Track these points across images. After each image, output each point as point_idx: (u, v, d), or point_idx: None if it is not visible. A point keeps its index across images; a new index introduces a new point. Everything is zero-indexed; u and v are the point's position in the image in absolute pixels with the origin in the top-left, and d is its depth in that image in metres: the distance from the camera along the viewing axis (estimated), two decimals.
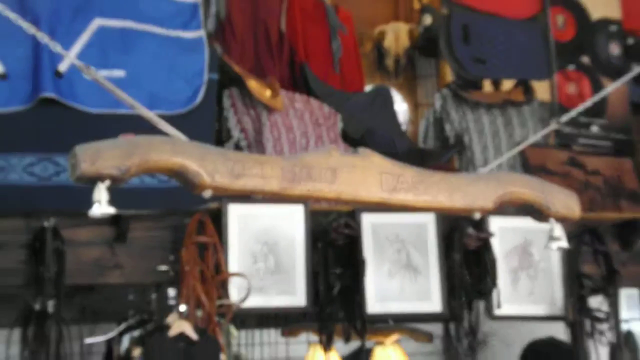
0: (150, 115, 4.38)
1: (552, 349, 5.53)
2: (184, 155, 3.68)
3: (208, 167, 3.65)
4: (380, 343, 7.24)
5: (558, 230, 4.41)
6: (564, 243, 4.45)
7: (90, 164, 3.44)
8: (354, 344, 7.16)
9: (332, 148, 4.05)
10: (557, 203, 4.37)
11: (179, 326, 5.43)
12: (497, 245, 6.12)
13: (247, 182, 3.73)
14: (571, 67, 7.33)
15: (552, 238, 4.45)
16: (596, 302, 6.32)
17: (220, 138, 6.40)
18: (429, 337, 7.86)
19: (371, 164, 4.06)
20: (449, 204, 4.10)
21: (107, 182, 3.52)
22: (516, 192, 4.29)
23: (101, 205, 3.61)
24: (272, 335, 7.51)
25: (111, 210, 3.65)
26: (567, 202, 4.44)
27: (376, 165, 4.06)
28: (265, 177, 3.77)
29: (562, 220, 4.38)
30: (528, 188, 4.41)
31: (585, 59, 7.38)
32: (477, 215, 4.37)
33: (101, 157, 3.54)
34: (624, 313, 6.42)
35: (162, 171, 3.62)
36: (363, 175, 3.93)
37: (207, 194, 3.74)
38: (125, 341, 5.89)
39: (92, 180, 3.59)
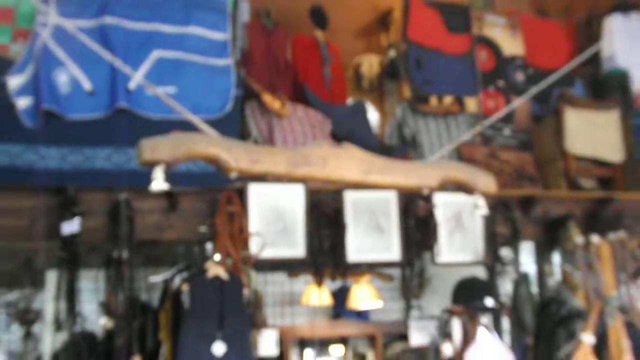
0: (194, 118, 4.36)
1: (474, 284, 5.48)
2: (216, 147, 3.71)
3: (234, 155, 3.67)
4: (356, 282, 7.20)
5: (481, 201, 4.43)
6: (485, 210, 4.47)
7: (150, 153, 3.50)
8: (338, 283, 7.13)
9: (323, 143, 4.06)
10: (480, 183, 4.43)
11: (214, 270, 5.44)
12: (439, 213, 6.13)
13: (261, 167, 3.77)
14: (491, 88, 7.32)
15: (477, 207, 4.46)
16: (505, 251, 6.32)
17: (243, 136, 6.35)
18: (390, 278, 7.83)
19: (351, 154, 4.10)
20: (405, 183, 4.16)
21: (162, 166, 3.53)
22: (453, 175, 4.36)
23: (158, 183, 3.61)
24: (280, 276, 7.47)
25: (165, 186, 3.64)
26: (487, 182, 4.50)
27: (355, 155, 4.11)
28: (275, 163, 3.81)
29: (483, 194, 4.43)
30: (461, 172, 4.48)
31: (501, 83, 7.38)
32: (426, 191, 4.39)
33: (158, 148, 3.56)
34: (523, 259, 6.41)
35: (201, 158, 3.64)
36: (345, 163, 3.97)
37: (233, 175, 3.79)
38: (177, 280, 5.82)
39: (152, 165, 3.60)
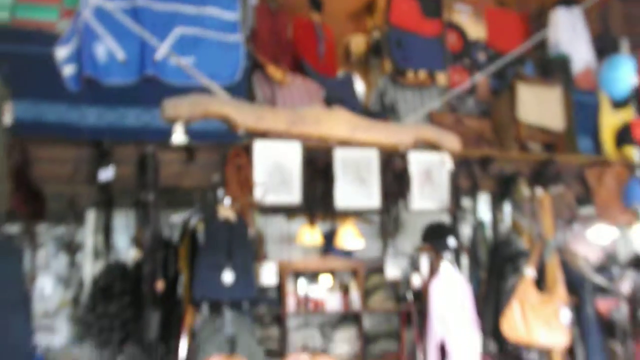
0: (210, 83, 4.26)
1: (440, 226, 5.45)
2: (228, 108, 3.63)
3: (241, 114, 3.60)
4: (343, 224, 7.17)
5: (447, 158, 4.37)
6: (450, 166, 4.42)
7: (172, 111, 3.42)
8: (328, 225, 7.12)
9: (317, 105, 3.99)
10: (447, 142, 4.36)
11: (224, 212, 5.40)
12: (412, 169, 6.04)
13: (264, 124, 3.71)
14: (458, 66, 7.25)
15: (444, 163, 4.40)
16: (465, 201, 6.29)
17: (249, 101, 6.27)
18: (371, 221, 7.80)
19: (341, 116, 4.04)
20: (386, 141, 4.09)
21: (181, 122, 3.45)
22: (425, 135, 4.30)
23: (178, 136, 3.53)
24: (279, 219, 7.42)
25: (184, 139, 3.57)
26: (452, 142, 4.43)
27: (344, 116, 4.04)
28: (276, 122, 3.75)
29: (449, 152, 4.37)
30: (431, 133, 4.41)
31: (466, 61, 7.31)
32: (402, 148, 4.32)
33: (179, 107, 3.48)
34: (480, 208, 6.42)
35: (214, 117, 3.56)
36: (336, 122, 3.91)
37: (241, 131, 3.69)
38: (194, 220, 5.78)
39: (173, 121, 3.52)
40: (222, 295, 5.33)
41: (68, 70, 5.69)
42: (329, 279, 8.63)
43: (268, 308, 7.96)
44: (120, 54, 5.74)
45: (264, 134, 6.03)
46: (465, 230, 6.22)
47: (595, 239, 6.61)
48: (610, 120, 7.03)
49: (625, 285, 4.69)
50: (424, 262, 4.97)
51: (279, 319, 8.11)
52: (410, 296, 4.97)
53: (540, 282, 4.87)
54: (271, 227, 7.10)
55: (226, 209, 5.45)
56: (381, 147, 5.48)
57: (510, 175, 6.44)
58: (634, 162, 5.52)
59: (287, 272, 8.14)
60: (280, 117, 3.73)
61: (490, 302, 5.77)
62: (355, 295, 8.43)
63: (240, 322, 5.42)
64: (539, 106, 6.98)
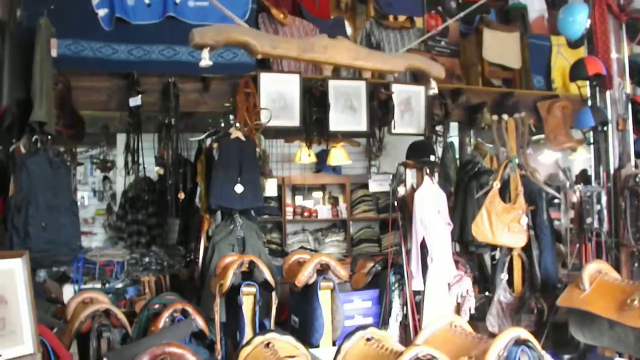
0: (232, 15, 4.10)
1: (423, 144, 5.36)
2: (248, 36, 3.46)
3: (260, 42, 3.43)
4: (334, 146, 7.07)
5: (433, 83, 4.23)
6: (435, 90, 4.27)
7: (200, 38, 3.25)
8: (321, 147, 7.03)
9: (324, 36, 3.84)
10: (434, 70, 4.20)
11: (235, 133, 5.29)
12: (395, 98, 5.93)
13: (279, 51, 3.53)
14: (433, 12, 7.05)
15: (431, 88, 4.26)
16: (439, 127, 6.17)
17: None
18: (358, 144, 7.72)
19: (344, 45, 3.90)
20: (381, 67, 3.94)
21: (208, 48, 3.30)
22: (414, 63, 4.12)
23: (205, 61, 3.39)
24: (280, 142, 7.30)
25: (210, 63, 3.43)
26: (439, 70, 4.28)
27: (347, 46, 3.90)
28: (289, 49, 3.59)
29: (435, 78, 4.22)
30: (420, 61, 4.26)
31: (440, 8, 7.07)
32: (394, 75, 4.19)
33: (205, 35, 3.32)
34: (450, 132, 6.32)
35: (235, 44, 3.42)
36: (340, 51, 3.76)
37: (259, 56, 3.55)
38: (209, 140, 5.69)
39: (200, 47, 3.37)
40: (234, 204, 5.27)
41: (102, 13, 5.59)
42: (320, 193, 8.60)
43: (270, 216, 7.94)
44: None
45: (270, 68, 6.00)
46: (439, 149, 6.16)
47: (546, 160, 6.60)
48: (559, 62, 6.96)
49: (574, 197, 4.66)
50: (409, 175, 4.88)
51: (279, 226, 8.10)
52: (395, 204, 4.88)
53: (504, 194, 4.82)
54: (273, 149, 6.98)
55: (237, 131, 5.34)
56: (378, 72, 5.33)
57: (476, 105, 6.34)
58: (581, 97, 5.42)
59: (286, 186, 8.11)
60: (292, 45, 3.60)
61: (457, 212, 5.75)
62: (343, 206, 8.43)
63: (248, 226, 5.38)
64: (501, 48, 6.88)
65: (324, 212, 8.34)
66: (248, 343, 3.30)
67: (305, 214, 8.19)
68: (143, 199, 7.23)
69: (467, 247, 5.80)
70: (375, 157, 6.59)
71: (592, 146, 4.91)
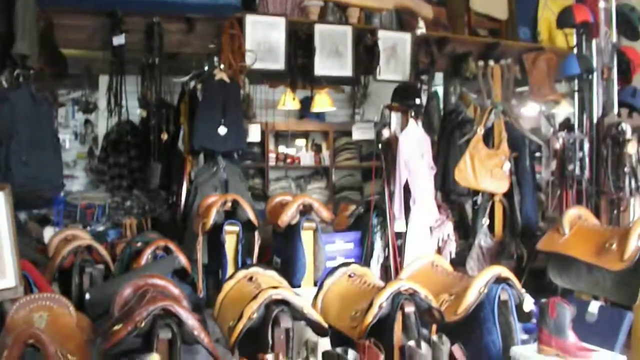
0: None
1: (408, 88, 5.34)
2: None
3: None
4: (318, 92, 6.99)
5: (421, 23, 4.16)
6: (424, 30, 4.21)
7: None
8: (304, 94, 6.97)
9: None
10: (423, 9, 4.16)
11: (220, 75, 5.28)
12: (380, 44, 5.86)
13: None
14: None
15: (419, 27, 4.19)
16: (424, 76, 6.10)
17: None
18: (342, 90, 7.66)
19: None
20: (372, 4, 3.83)
21: None
22: (403, 1, 4.06)
23: None
24: (264, 87, 7.19)
25: None
26: (427, 9, 4.25)
27: None
28: None
29: (423, 18, 4.14)
30: (410, 1, 4.17)
31: None
32: (380, 20, 4.11)
33: None
34: (435, 82, 6.34)
35: None
36: None
37: None
38: (192, 83, 5.58)
39: None
40: (217, 146, 5.27)
41: None
42: (303, 141, 8.57)
43: (253, 163, 7.89)
44: None
45: (256, 11, 5.88)
46: (424, 98, 6.12)
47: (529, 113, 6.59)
48: (546, 14, 6.89)
49: (557, 144, 4.68)
50: (394, 118, 4.86)
51: (262, 172, 8.07)
52: (379, 147, 4.86)
53: (488, 138, 4.82)
54: (257, 95, 6.90)
55: (221, 72, 5.28)
56: (367, 9, 5.18)
57: (462, 54, 6.28)
58: (567, 44, 5.39)
59: (269, 133, 8.05)
60: None
61: (440, 160, 5.74)
62: (326, 153, 8.41)
63: (231, 169, 5.38)
64: None
65: (307, 159, 8.30)
66: (231, 277, 3.31)
67: (288, 160, 8.15)
68: (125, 141, 7.14)
69: (448, 196, 5.81)
70: (360, 103, 6.57)
71: (576, 95, 4.90)
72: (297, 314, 2.79)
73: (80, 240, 4.06)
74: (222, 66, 5.35)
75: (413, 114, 4.84)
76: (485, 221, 4.72)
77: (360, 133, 7.19)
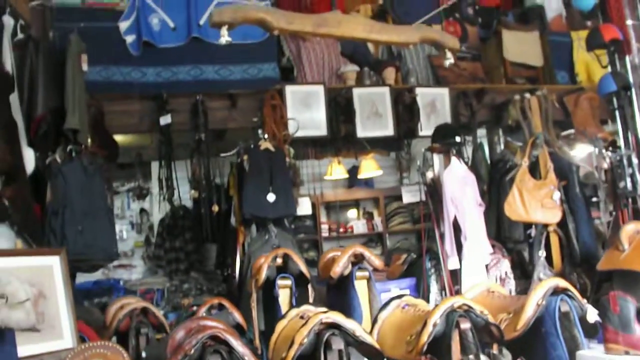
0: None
1: (447, 127, 5.43)
2: (263, 13, 3.52)
3: (275, 19, 3.47)
4: (364, 158, 7.05)
5: (449, 54, 4.19)
6: (452, 60, 4.22)
7: (218, 16, 3.32)
8: (351, 163, 7.02)
9: (337, 12, 3.89)
10: (449, 41, 4.18)
11: (265, 145, 5.35)
12: (419, 100, 5.95)
13: (295, 27, 3.57)
14: (451, 19, 7.04)
15: (447, 58, 4.22)
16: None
17: (278, 55, 6.27)
18: (387, 154, 7.70)
19: (358, 19, 3.95)
20: (397, 39, 3.92)
21: (226, 26, 3.36)
22: (429, 35, 4.12)
23: (224, 38, 3.45)
24: (311, 161, 7.26)
25: (229, 39, 3.49)
26: (453, 41, 4.25)
27: (361, 20, 3.92)
28: (304, 25, 3.60)
29: (450, 49, 4.18)
30: (434, 33, 4.27)
31: (457, 15, 7.08)
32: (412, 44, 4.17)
33: (223, 13, 3.39)
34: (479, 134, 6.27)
35: (252, 22, 3.43)
36: (354, 25, 3.77)
37: (275, 32, 3.58)
38: (240, 152, 5.68)
39: (219, 25, 3.43)
40: (267, 213, 5.27)
41: (130, 39, 5.79)
42: (354, 211, 8.57)
43: (306, 235, 7.89)
44: (170, 23, 5.84)
45: (294, 81, 6.06)
46: (468, 152, 6.10)
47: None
48: (581, 56, 6.89)
49: (604, 163, 4.57)
50: (436, 159, 4.83)
51: (316, 244, 8.06)
52: (425, 189, 4.82)
53: (534, 170, 4.74)
54: (304, 169, 6.98)
55: (266, 142, 5.38)
56: (393, 44, 5.23)
57: (502, 103, 6.28)
58: (600, 64, 5.36)
59: (320, 205, 8.09)
60: (307, 21, 3.62)
61: (493, 209, 5.63)
62: (377, 220, 8.36)
63: (283, 235, 5.36)
64: (521, 47, 6.86)
65: (359, 226, 8.27)
66: (283, 316, 3.27)
67: (341, 230, 8.14)
68: (180, 225, 7.29)
69: (505, 245, 5.67)
70: (407, 167, 6.58)
71: (617, 113, 4.80)
72: (348, 338, 2.72)
73: (136, 303, 4.09)
74: (266, 136, 5.46)
75: (454, 151, 4.80)
76: (542, 253, 4.58)
77: (411, 196, 7.16)
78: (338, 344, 2.63)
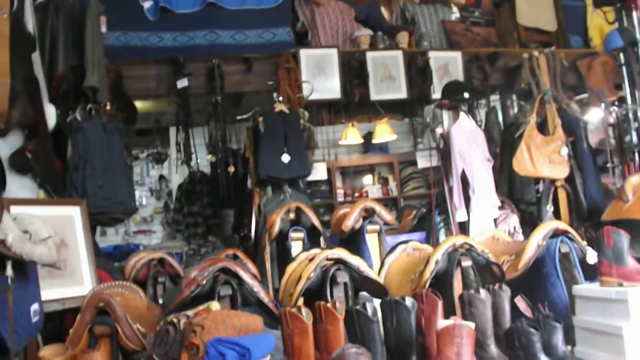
0: None
1: (456, 83, 5.44)
2: None
3: None
4: (379, 123, 7.11)
5: (455, 8, 4.23)
6: (457, 15, 4.26)
7: None
8: (366, 128, 7.06)
9: None
10: None
11: (279, 107, 5.41)
12: (432, 63, 5.99)
13: None
14: None
15: (452, 12, 4.26)
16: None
17: (293, 20, 6.32)
18: (402, 118, 7.76)
19: None
20: None
21: None
22: None
23: None
24: (325, 127, 7.29)
25: None
26: None
27: None
28: None
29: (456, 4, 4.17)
30: None
31: None
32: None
33: None
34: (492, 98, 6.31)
35: None
36: None
37: None
38: (255, 115, 5.78)
39: None
40: (282, 173, 5.37)
41: (147, 5, 5.86)
42: (369, 177, 8.69)
43: (322, 200, 8.00)
44: None
45: (308, 44, 6.14)
46: (480, 115, 6.14)
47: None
48: (595, 20, 6.86)
49: (610, 118, 4.61)
50: (445, 116, 4.89)
51: (332, 209, 8.15)
52: (435, 143, 4.90)
53: (543, 128, 4.79)
54: (320, 136, 7.04)
55: (281, 105, 5.47)
56: None
57: (515, 66, 6.29)
58: (607, 20, 5.35)
59: (336, 170, 8.18)
60: None
61: (505, 171, 5.69)
62: (392, 185, 8.43)
63: (298, 196, 5.44)
64: (535, 11, 6.87)
65: (375, 191, 8.34)
66: (294, 259, 3.39)
67: (356, 194, 8.22)
68: (198, 191, 7.44)
69: (517, 206, 5.74)
70: (421, 132, 6.64)
71: (624, 68, 4.80)
72: (354, 273, 2.83)
73: (154, 254, 4.23)
74: (280, 99, 5.54)
75: (463, 107, 4.86)
76: (550, 208, 4.64)
77: (425, 161, 7.22)
78: (343, 277, 2.74)
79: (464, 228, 4.60)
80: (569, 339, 2.76)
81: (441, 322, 2.32)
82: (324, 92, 5.89)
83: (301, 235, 4.35)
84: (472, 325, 2.31)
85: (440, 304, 2.57)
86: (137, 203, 6.07)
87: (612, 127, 4.67)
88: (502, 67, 6.43)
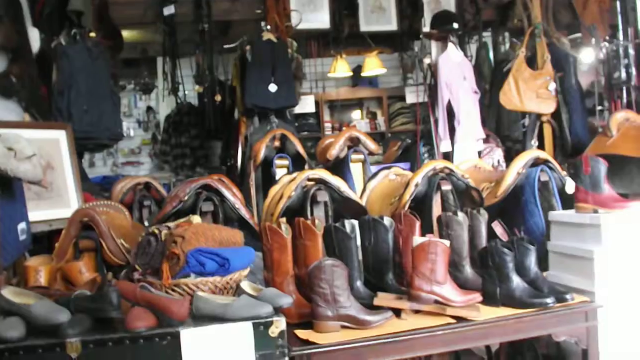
0: None
1: (446, 14, 5.42)
2: None
3: None
4: (368, 56, 7.11)
5: None
6: None
7: None
8: (355, 62, 7.05)
9: None
10: None
11: (267, 35, 5.39)
12: None
13: None
14: None
15: None
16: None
17: None
18: (392, 51, 7.74)
19: None
20: None
21: None
22: None
23: None
24: (314, 60, 7.28)
25: None
26: None
27: None
28: None
29: None
30: None
31: None
32: None
33: None
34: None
35: None
36: None
37: None
38: (243, 44, 5.75)
39: None
40: (269, 103, 5.38)
41: None
42: (357, 112, 8.72)
43: (309, 133, 8.03)
44: None
45: None
46: (471, 50, 6.14)
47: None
48: None
49: (600, 54, 4.64)
50: (433, 47, 4.91)
51: (319, 141, 8.20)
52: (423, 73, 4.92)
53: (532, 62, 4.82)
54: (308, 68, 7.04)
55: (268, 33, 5.44)
56: None
57: (508, 2, 6.24)
58: None
59: (324, 103, 8.20)
60: None
61: (494, 108, 5.75)
62: (381, 119, 8.48)
63: (284, 127, 5.46)
64: None
65: (362, 126, 8.38)
66: (276, 182, 3.45)
67: (344, 128, 8.25)
68: (185, 122, 7.46)
69: (503, 143, 5.81)
70: (411, 67, 6.63)
71: (618, 4, 4.81)
72: (334, 193, 2.90)
73: (139, 179, 4.29)
74: (268, 27, 5.51)
75: (452, 38, 4.86)
76: (535, 143, 4.71)
77: (414, 96, 7.24)
78: (323, 197, 2.82)
79: (448, 159, 4.68)
80: (545, 267, 2.86)
81: (417, 239, 2.40)
82: (313, 22, 5.86)
83: (286, 162, 4.40)
84: (446, 242, 2.39)
85: (418, 224, 2.64)
86: (125, 135, 6.11)
87: (602, 63, 4.68)
88: (495, 1, 6.38)
